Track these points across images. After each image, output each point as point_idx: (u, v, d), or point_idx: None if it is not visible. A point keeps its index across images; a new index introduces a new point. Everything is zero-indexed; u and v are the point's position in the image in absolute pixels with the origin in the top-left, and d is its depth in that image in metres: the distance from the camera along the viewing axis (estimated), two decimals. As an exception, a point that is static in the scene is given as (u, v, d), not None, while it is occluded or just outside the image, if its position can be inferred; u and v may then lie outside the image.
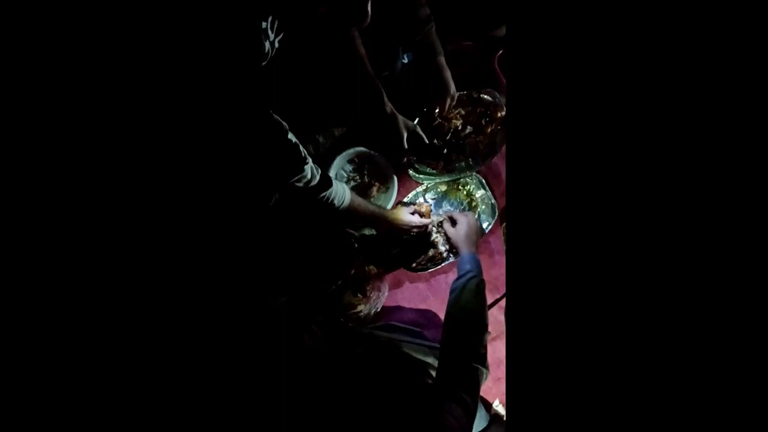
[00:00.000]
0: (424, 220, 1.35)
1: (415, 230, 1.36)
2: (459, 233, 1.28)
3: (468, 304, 1.02)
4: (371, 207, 1.31)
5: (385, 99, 1.33)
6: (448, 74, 1.38)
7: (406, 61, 1.59)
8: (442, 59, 1.39)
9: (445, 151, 1.44)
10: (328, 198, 1.17)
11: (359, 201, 1.27)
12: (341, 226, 1.42)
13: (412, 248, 1.41)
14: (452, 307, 1.03)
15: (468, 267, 1.13)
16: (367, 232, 1.43)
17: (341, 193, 1.21)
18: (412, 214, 1.35)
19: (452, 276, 1.33)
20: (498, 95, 1.42)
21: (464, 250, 1.24)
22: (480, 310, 1.03)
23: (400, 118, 1.37)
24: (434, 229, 1.40)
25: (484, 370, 0.89)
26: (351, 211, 1.24)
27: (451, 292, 1.07)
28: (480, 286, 1.07)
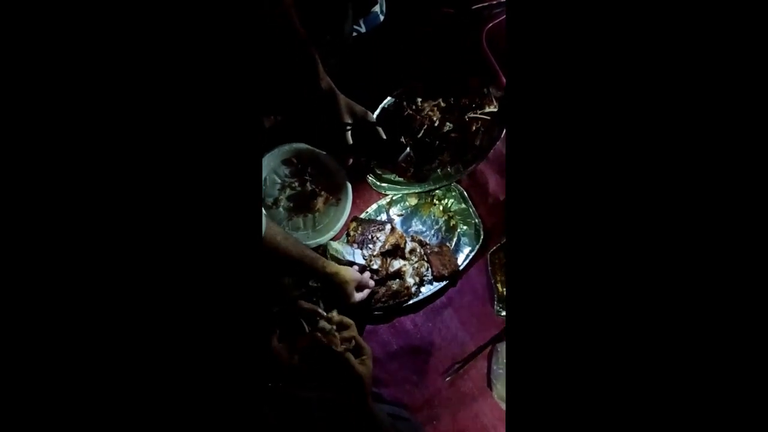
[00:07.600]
0: (365, 293, 1.01)
1: (356, 299, 0.99)
2: None
3: None
4: (301, 249, 0.95)
5: (321, 70, 1.00)
6: None
7: (381, 18, 1.23)
8: None
9: (408, 151, 1.14)
10: None
11: (281, 237, 0.91)
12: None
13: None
14: None
15: None
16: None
17: None
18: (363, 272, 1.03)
19: (422, 316, 1.09)
20: (488, 83, 1.13)
21: None
22: None
23: (342, 99, 1.05)
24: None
25: None
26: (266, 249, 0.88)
27: None
28: None
